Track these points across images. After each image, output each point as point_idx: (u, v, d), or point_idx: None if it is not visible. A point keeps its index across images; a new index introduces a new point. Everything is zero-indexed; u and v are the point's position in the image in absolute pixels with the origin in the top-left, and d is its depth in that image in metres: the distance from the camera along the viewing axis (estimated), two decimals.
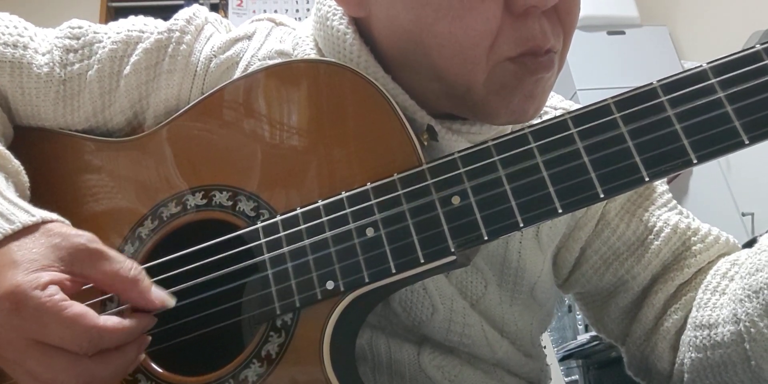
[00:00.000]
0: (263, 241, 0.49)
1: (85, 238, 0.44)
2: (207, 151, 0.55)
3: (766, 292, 0.49)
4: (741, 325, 0.51)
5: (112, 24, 0.64)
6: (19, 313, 0.39)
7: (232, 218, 0.52)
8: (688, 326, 0.59)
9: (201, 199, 0.54)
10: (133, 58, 0.60)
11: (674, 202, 0.68)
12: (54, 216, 0.46)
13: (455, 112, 0.57)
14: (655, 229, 0.64)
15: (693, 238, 0.63)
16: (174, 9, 0.64)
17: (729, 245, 0.64)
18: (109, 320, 0.42)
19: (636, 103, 0.41)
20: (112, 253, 0.45)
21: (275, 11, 3.05)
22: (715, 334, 0.55)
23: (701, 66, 0.40)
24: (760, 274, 0.50)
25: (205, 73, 0.60)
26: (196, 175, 0.55)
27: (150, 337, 0.47)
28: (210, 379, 0.49)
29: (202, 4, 3.22)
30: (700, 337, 0.56)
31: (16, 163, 0.54)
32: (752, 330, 0.49)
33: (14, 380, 0.43)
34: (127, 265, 0.45)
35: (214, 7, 3.23)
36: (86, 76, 0.61)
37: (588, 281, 0.67)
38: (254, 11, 3.04)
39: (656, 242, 0.63)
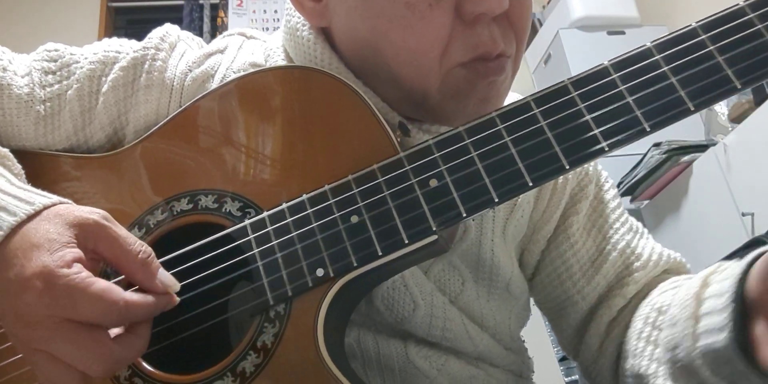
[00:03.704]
0: (252, 236, 0.51)
1: (98, 214, 0.46)
2: (189, 160, 0.57)
3: (678, 350, 0.51)
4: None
5: (87, 46, 0.66)
6: (50, 292, 0.41)
7: (220, 219, 0.54)
8: (627, 373, 0.61)
9: (187, 204, 0.55)
10: (110, 76, 0.62)
11: (625, 215, 0.72)
12: (65, 199, 0.48)
13: (417, 117, 0.59)
14: (605, 251, 0.68)
15: (636, 264, 0.67)
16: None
17: (669, 264, 0.68)
18: (134, 295, 0.44)
19: (590, 81, 0.45)
20: (124, 232, 0.46)
21: (275, 11, 3.04)
22: None
23: (646, 45, 0.44)
24: (675, 346, 0.52)
25: (181, 88, 0.62)
26: (179, 183, 0.56)
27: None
28: (207, 375, 0.50)
29: (201, 5, 3.19)
30: None
31: (18, 166, 0.56)
32: None
33: (19, 370, 0.43)
34: (137, 247, 0.46)
35: (214, 7, 3.21)
36: (66, 95, 0.62)
37: (543, 289, 0.71)
38: (254, 11, 3.03)
39: (605, 265, 0.67)
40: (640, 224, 0.72)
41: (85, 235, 0.45)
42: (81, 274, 0.42)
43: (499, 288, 0.67)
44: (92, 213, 0.46)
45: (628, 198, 2.44)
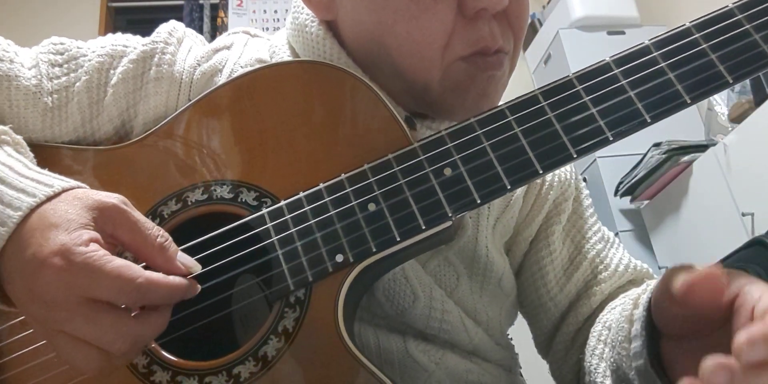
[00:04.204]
0: (270, 225, 0.52)
1: (117, 199, 0.46)
2: (202, 152, 0.58)
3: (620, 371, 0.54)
4: None
5: (91, 40, 0.67)
6: (68, 270, 0.41)
7: (236, 209, 0.55)
8: None
9: (201, 194, 0.56)
10: (120, 69, 0.62)
11: (598, 225, 0.75)
12: (82, 184, 0.49)
13: (418, 110, 0.62)
14: (576, 260, 0.71)
15: (603, 274, 0.70)
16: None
17: (634, 275, 0.71)
18: (154, 273, 0.44)
19: (594, 76, 0.48)
20: (142, 217, 0.47)
21: (275, 11, 3.05)
22: None
23: (644, 42, 0.48)
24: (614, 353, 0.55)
25: (190, 82, 0.63)
26: (193, 174, 0.57)
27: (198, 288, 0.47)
28: (228, 360, 0.51)
29: (201, 5, 3.14)
30: None
31: (31, 154, 0.57)
32: None
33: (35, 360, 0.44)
34: (155, 231, 0.46)
35: (214, 7, 3.21)
36: (74, 87, 0.62)
37: (522, 292, 0.74)
38: (254, 11, 3.03)
39: (576, 273, 0.71)
40: (611, 234, 0.75)
41: (104, 218, 0.45)
42: (98, 252, 0.42)
43: (491, 284, 0.69)
44: (110, 197, 0.46)
45: (628, 198, 2.46)
